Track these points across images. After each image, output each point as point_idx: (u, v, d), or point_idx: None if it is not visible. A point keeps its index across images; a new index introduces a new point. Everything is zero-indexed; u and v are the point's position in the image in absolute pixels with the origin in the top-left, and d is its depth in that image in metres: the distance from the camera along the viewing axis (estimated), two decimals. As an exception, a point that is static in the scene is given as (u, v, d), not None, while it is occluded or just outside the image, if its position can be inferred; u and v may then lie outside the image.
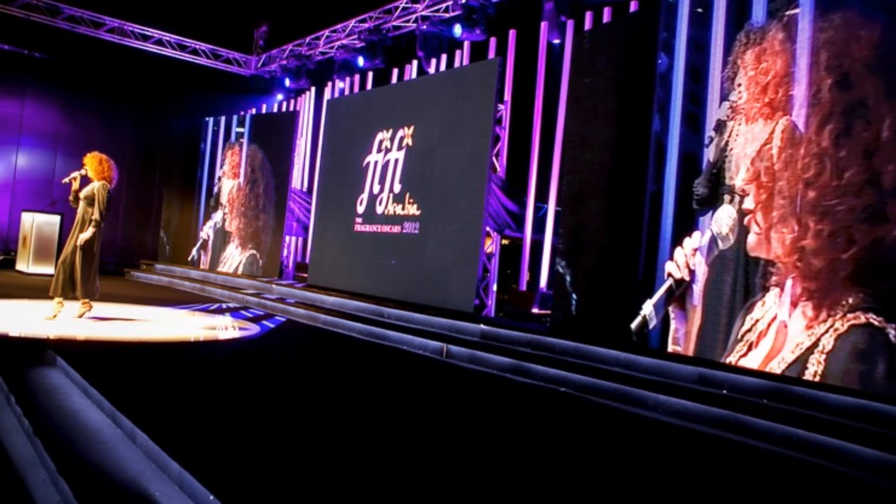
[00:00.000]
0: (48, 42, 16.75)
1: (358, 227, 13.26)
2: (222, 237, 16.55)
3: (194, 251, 17.42)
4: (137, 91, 18.39)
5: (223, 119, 17.35)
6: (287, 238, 15.96)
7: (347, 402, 6.08)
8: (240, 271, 15.68)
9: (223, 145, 17.17)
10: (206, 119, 17.77)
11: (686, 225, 7.71)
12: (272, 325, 10.27)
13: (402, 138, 12.50)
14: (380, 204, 12.77)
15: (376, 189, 12.93)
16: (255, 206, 15.78)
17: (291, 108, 18.00)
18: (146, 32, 17.59)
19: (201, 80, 18.96)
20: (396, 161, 12.50)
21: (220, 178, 17.01)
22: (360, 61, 15.63)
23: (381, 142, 13.11)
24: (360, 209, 13.22)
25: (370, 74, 15.97)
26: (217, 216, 16.76)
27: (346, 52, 16.05)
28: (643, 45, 8.67)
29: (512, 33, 12.65)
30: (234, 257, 16.06)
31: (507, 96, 11.91)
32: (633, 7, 10.68)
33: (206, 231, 17.06)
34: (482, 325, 9.02)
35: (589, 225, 8.97)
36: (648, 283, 8.05)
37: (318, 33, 16.81)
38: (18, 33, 16.32)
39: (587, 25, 11.26)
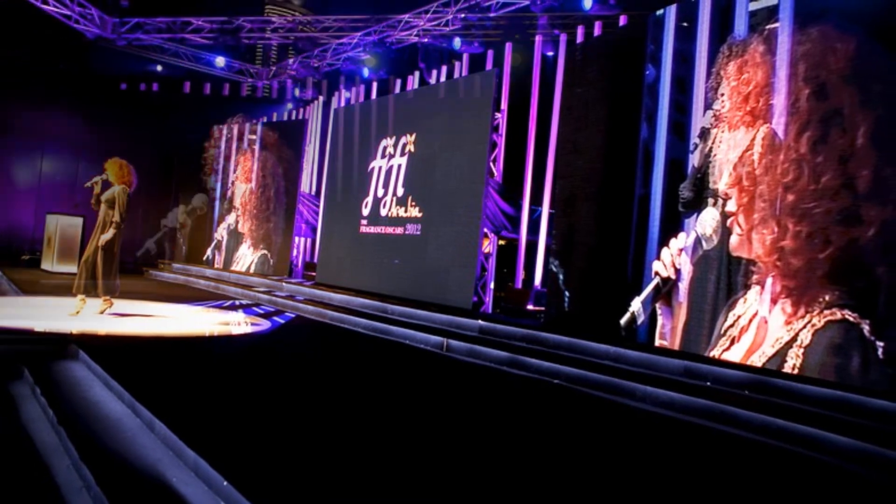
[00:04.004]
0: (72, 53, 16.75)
1: (363, 229, 13.26)
2: (235, 238, 16.54)
3: (209, 251, 17.41)
4: (156, 99, 18.40)
5: (236, 127, 17.34)
6: (296, 239, 15.95)
7: (353, 394, 6.08)
8: (252, 270, 15.67)
9: (236, 151, 17.16)
10: (220, 126, 17.77)
11: (672, 226, 7.71)
12: (282, 321, 10.26)
13: (404, 145, 12.50)
14: (384, 207, 12.77)
15: (380, 193, 12.93)
16: (266, 209, 15.77)
17: (300, 117, 17.99)
18: (164, 46, 17.59)
19: (216, 90, 18.96)
20: (399, 166, 12.50)
21: (233, 183, 17.01)
22: (366, 72, 15.66)
23: (384, 148, 13.11)
24: (365, 212, 13.22)
25: (374, 84, 15.98)
26: (230, 218, 16.76)
27: (352, 64, 16.07)
28: (632, 58, 8.67)
29: (508, 46, 12.66)
30: (247, 257, 16.05)
31: (504, 105, 11.90)
32: (622, 21, 10.69)
33: (220, 232, 17.05)
34: (480, 321, 9.02)
35: (581, 227, 8.96)
36: (637, 282, 8.05)
37: (325, 46, 16.81)
38: (43, 45, 16.33)
39: (579, 39, 11.27)
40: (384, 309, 10.61)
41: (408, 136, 12.46)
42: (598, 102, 9.06)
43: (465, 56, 13.54)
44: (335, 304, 11.49)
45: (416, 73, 14.60)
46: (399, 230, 12.23)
